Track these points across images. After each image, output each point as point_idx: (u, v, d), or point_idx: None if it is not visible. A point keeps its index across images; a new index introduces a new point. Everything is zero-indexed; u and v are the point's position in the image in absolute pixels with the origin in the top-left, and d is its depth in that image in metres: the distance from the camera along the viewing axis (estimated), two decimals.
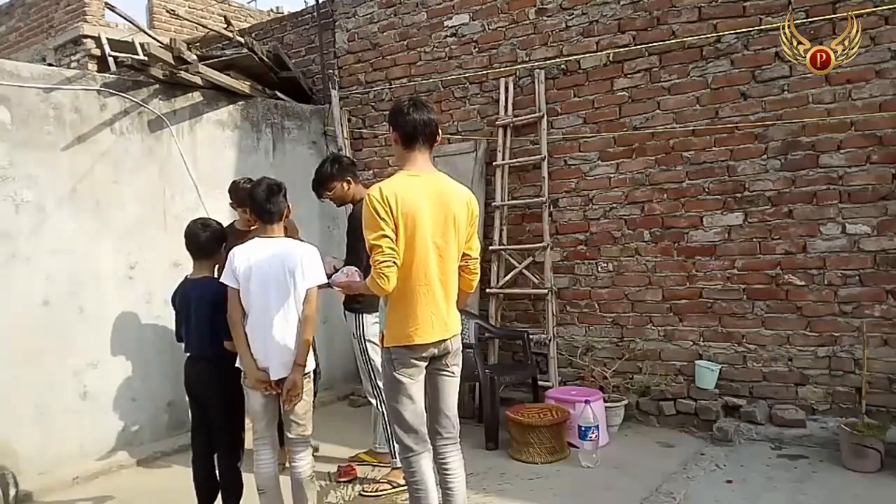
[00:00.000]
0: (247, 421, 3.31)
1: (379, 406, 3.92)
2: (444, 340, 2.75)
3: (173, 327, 3.42)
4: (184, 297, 3.31)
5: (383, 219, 2.59)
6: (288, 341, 3.03)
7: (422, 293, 2.67)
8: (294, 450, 3.17)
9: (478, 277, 2.93)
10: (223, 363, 3.15)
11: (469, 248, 2.83)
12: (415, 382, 2.76)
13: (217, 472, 3.30)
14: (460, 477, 2.84)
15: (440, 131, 2.84)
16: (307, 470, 3.13)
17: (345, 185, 3.91)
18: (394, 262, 2.60)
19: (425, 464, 2.77)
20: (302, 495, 3.14)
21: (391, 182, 2.71)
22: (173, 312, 3.38)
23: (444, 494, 2.83)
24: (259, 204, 3.15)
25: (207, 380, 3.22)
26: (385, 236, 2.59)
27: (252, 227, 3.91)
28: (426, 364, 2.78)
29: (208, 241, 3.31)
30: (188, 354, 3.31)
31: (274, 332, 3.01)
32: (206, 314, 3.19)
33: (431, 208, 2.68)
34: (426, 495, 2.75)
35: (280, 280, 3.04)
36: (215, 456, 3.29)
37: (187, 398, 3.41)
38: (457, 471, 2.83)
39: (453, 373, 2.83)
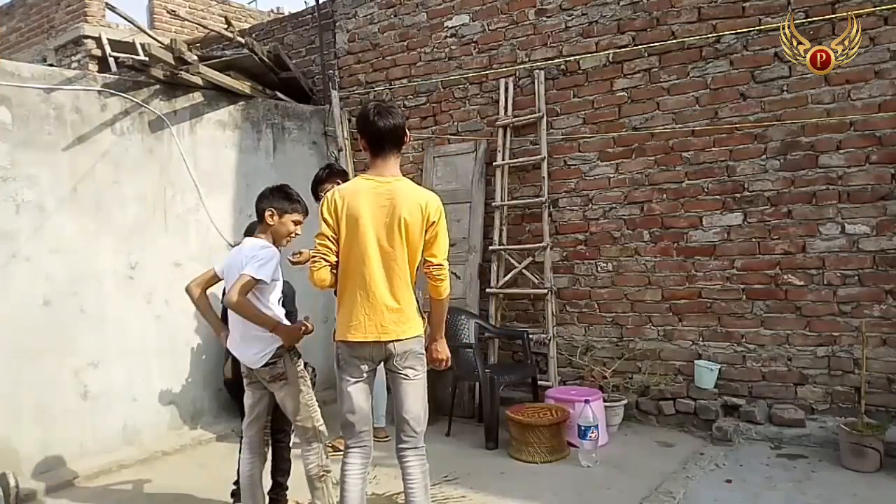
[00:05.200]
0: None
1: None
2: (382, 343, 2.71)
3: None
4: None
5: (325, 219, 2.74)
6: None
7: (359, 294, 2.71)
8: (303, 446, 3.18)
9: (444, 284, 2.77)
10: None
11: (431, 253, 2.76)
12: (352, 382, 2.77)
13: (272, 452, 3.34)
14: (419, 482, 2.77)
15: (408, 133, 2.85)
16: (312, 468, 3.13)
17: (335, 186, 4.03)
18: (322, 259, 2.72)
19: (352, 461, 2.80)
20: (312, 491, 3.15)
21: (345, 185, 2.85)
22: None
23: (405, 498, 2.81)
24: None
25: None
26: (321, 234, 2.74)
27: None
28: (368, 367, 2.78)
29: None
30: None
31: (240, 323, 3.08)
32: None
33: (376, 211, 2.69)
34: (346, 495, 2.77)
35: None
36: (270, 438, 3.30)
37: (239, 383, 3.28)
38: (415, 476, 2.77)
39: (407, 375, 2.77)
